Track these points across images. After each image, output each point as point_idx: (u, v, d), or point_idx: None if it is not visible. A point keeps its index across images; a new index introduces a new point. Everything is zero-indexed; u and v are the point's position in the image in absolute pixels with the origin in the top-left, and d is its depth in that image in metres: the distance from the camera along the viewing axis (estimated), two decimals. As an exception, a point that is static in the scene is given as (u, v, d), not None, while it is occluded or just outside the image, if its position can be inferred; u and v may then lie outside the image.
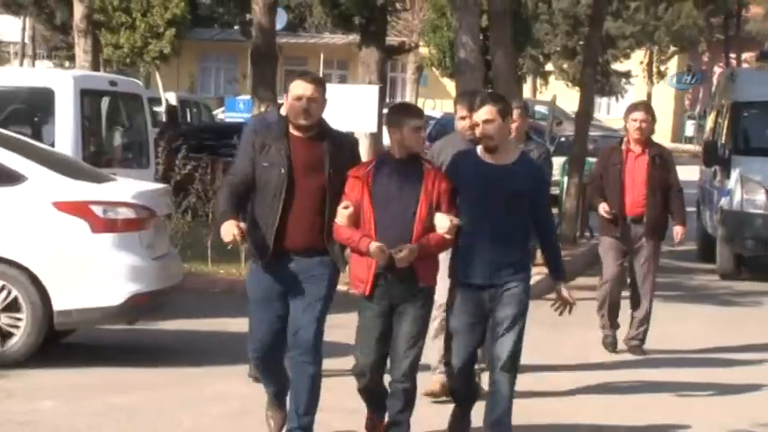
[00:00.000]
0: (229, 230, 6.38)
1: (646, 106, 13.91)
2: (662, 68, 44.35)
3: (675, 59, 43.57)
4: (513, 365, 6.74)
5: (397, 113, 7.28)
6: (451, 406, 7.47)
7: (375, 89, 19.84)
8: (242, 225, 6.54)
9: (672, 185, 12.46)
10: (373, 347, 6.62)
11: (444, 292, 7.37)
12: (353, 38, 30.43)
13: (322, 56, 43.62)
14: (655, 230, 12.28)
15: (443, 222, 6.43)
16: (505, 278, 6.75)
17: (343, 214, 6.42)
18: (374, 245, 6.32)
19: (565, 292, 6.88)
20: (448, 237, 6.50)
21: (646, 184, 11.97)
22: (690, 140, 51.22)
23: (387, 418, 7.01)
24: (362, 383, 6.74)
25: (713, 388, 11.03)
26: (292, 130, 6.60)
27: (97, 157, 14.40)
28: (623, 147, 12.59)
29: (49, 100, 14.60)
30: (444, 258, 7.53)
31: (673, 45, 41.55)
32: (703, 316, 16.02)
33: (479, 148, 6.98)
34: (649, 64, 41.75)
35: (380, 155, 6.96)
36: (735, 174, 19.42)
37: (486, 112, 6.71)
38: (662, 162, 12.42)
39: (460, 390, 7.14)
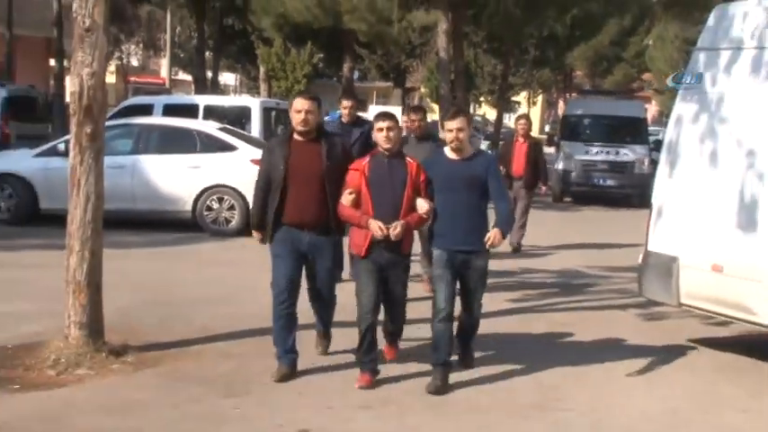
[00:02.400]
0: (256, 238, 8.60)
1: (527, 116, 20.03)
2: (534, 100, 67.33)
3: (540, 96, 62.26)
4: (479, 308, 8.53)
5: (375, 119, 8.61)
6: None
7: (399, 108, 29.16)
8: (262, 234, 8.46)
9: (539, 160, 17.40)
10: (369, 296, 7.89)
11: None
12: (389, 84, 46.94)
13: (375, 93, 54.19)
14: (530, 184, 17.23)
15: (423, 205, 7.81)
16: (470, 246, 8.06)
17: (347, 199, 7.73)
18: (375, 224, 7.64)
19: (496, 235, 7.97)
20: (426, 217, 7.90)
21: (525, 159, 16.93)
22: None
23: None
24: (364, 326, 7.93)
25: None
26: (296, 136, 8.05)
27: (268, 139, 17.58)
28: (515, 138, 17.94)
29: (248, 113, 22.43)
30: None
31: (539, 88, 57.70)
32: (550, 218, 22.60)
33: (447, 149, 8.30)
34: (528, 97, 64.79)
35: (373, 152, 8.10)
36: (563, 150, 27.98)
37: (459, 121, 8.01)
38: (536, 147, 17.51)
39: (442, 326, 8.16)
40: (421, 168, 7.86)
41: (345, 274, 11.15)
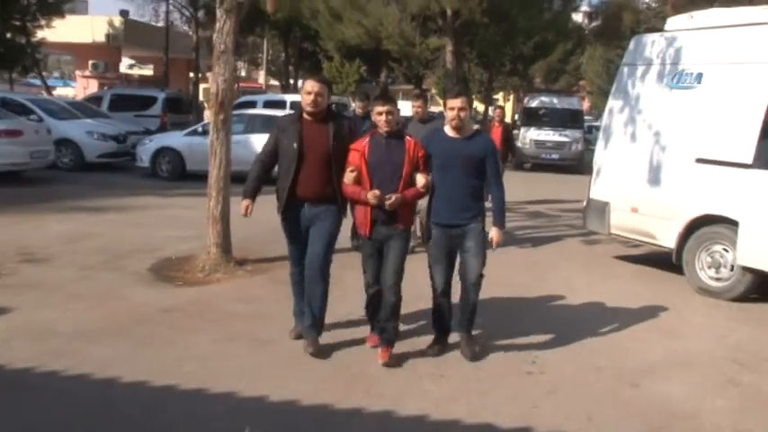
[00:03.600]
0: (243, 207, 6.21)
1: (501, 107, 17.79)
2: (508, 98, 58.70)
3: (512, 95, 58.32)
4: (478, 281, 6.05)
5: (373, 101, 6.84)
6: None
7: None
8: (251, 205, 6.25)
9: (510, 139, 15.24)
10: (373, 270, 6.06)
11: None
12: (411, 86, 40.24)
13: (401, 93, 47.87)
14: (503, 157, 14.07)
15: (420, 179, 5.94)
16: (466, 221, 6.04)
17: (349, 176, 5.96)
18: (371, 192, 5.82)
19: (497, 236, 6.08)
20: (423, 190, 5.99)
21: (500, 138, 14.03)
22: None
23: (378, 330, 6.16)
24: (370, 293, 6.16)
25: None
26: (305, 116, 6.09)
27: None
28: (492, 122, 15.79)
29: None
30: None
31: (511, 90, 54.20)
32: (515, 179, 17.99)
33: (447, 127, 6.22)
34: (504, 96, 58.07)
35: (373, 132, 6.18)
36: (522, 132, 26.15)
37: (461, 101, 6.04)
38: (507, 129, 15.18)
39: (442, 303, 6.23)
40: (419, 146, 6.05)
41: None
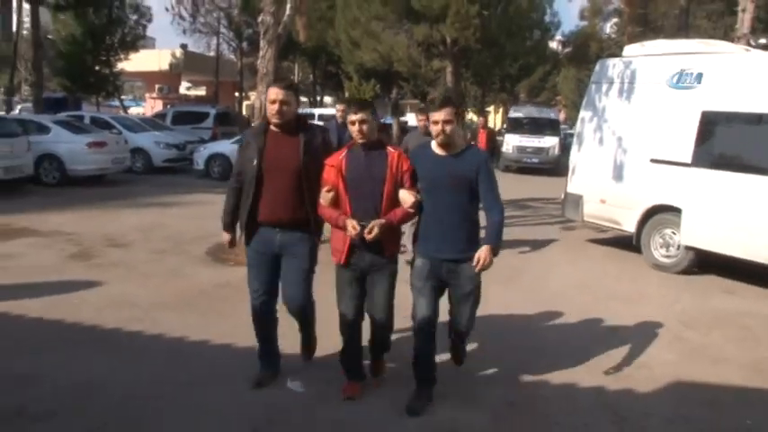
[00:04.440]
0: (225, 240, 4.60)
1: (485, 115, 18.14)
2: (498, 110, 55.43)
3: (501, 108, 54.92)
4: (468, 329, 4.40)
5: (347, 107, 5.14)
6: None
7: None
8: (232, 237, 4.57)
9: (495, 142, 15.63)
10: (350, 304, 4.26)
11: None
12: (417, 101, 35.85)
13: (408, 106, 45.74)
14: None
15: (407, 198, 4.16)
16: (458, 254, 4.18)
17: (326, 197, 4.19)
18: (350, 223, 4.07)
19: (484, 254, 4.08)
20: (411, 210, 4.18)
21: (485, 141, 14.14)
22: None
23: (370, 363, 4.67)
24: (345, 336, 4.36)
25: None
26: (272, 127, 4.34)
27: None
28: (478, 128, 15.50)
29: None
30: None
31: (501, 104, 51.99)
32: (499, 179, 17.92)
33: (434, 143, 4.31)
34: (495, 109, 55.04)
35: (350, 144, 4.37)
36: (506, 139, 24.31)
37: (446, 112, 4.18)
38: (491, 133, 15.15)
39: (423, 349, 4.31)
40: (403, 158, 4.32)
41: None
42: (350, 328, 4.36)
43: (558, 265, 8.82)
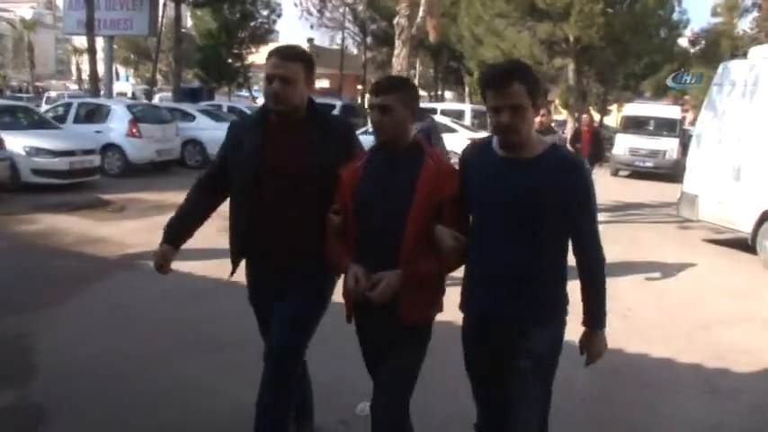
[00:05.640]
0: (157, 260, 3.03)
1: (590, 113, 15.33)
2: (621, 109, 51.12)
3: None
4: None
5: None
6: None
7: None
8: (170, 256, 3.03)
9: (600, 143, 12.75)
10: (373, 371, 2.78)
11: None
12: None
13: (440, 107, 47.26)
14: (592, 161, 11.96)
15: (444, 239, 2.47)
16: (523, 312, 2.47)
17: (333, 222, 2.68)
18: (350, 272, 2.53)
19: (585, 339, 2.61)
20: (451, 259, 2.53)
21: (589, 141, 12.32)
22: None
23: None
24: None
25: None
26: (273, 117, 2.90)
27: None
28: (582, 127, 13.13)
29: (463, 112, 22.72)
30: None
31: (624, 102, 48.93)
32: (612, 182, 16.63)
33: (495, 140, 2.52)
34: (618, 107, 50.76)
35: (374, 146, 2.71)
36: (618, 139, 21.64)
37: (513, 94, 2.35)
38: (596, 132, 12.92)
39: None
40: (449, 171, 2.58)
41: None
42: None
43: (671, 261, 9.00)
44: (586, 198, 2.50)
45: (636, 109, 23.82)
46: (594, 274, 2.60)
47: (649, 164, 20.69)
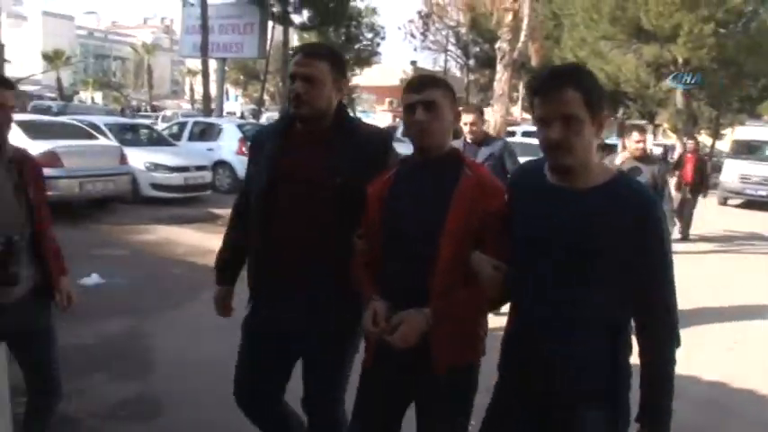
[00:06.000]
0: (218, 306, 2.96)
1: (697, 141, 13.89)
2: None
3: None
4: None
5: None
6: None
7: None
8: (230, 298, 2.93)
9: (705, 171, 12.45)
10: (369, 424, 2.31)
11: None
12: (645, 122, 39.52)
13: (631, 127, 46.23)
14: (696, 190, 12.16)
15: (483, 268, 1.96)
16: (572, 391, 1.87)
17: (359, 246, 2.33)
18: (369, 310, 2.14)
19: None
20: (487, 293, 2.00)
21: (694, 168, 12.08)
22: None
23: None
24: None
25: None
26: (298, 124, 2.54)
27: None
28: (686, 153, 13.13)
29: None
30: None
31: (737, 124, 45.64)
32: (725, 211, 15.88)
33: (547, 165, 1.96)
34: (732, 131, 46.60)
35: (406, 157, 2.27)
36: (727, 164, 19.76)
37: (567, 102, 1.82)
38: (701, 159, 12.59)
39: None
40: (493, 188, 2.13)
41: None
42: None
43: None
44: (658, 244, 1.87)
45: (748, 132, 21.88)
46: (659, 351, 1.93)
47: (762, 192, 18.93)
